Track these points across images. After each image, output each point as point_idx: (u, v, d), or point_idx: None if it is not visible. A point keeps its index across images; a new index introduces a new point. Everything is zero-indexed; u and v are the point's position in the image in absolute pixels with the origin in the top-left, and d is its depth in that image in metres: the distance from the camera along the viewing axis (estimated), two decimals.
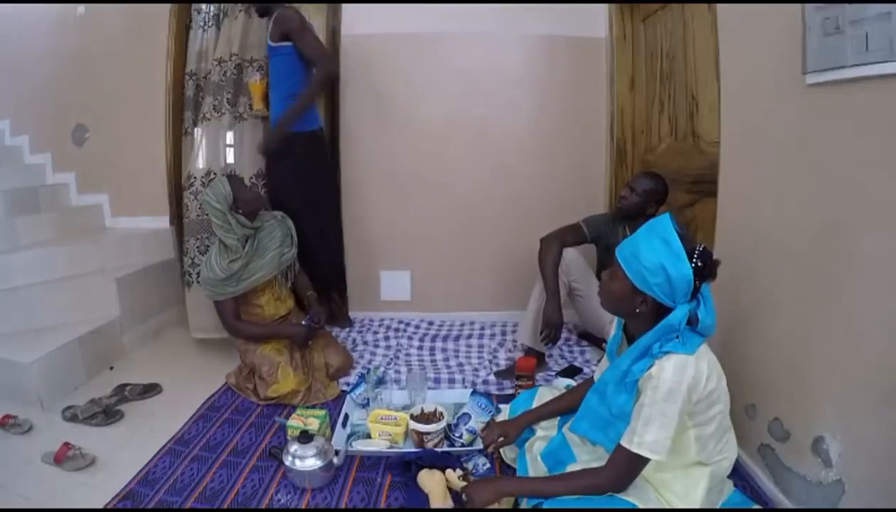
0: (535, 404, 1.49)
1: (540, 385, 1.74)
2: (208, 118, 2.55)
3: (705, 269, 1.08)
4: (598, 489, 1.10)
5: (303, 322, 2.08)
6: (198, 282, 2.35)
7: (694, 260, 1.06)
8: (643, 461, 1.08)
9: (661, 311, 1.10)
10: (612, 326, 1.32)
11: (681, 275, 1.06)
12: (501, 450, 1.50)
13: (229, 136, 2.55)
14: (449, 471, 1.43)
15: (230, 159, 2.54)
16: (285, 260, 2.15)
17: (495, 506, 1.22)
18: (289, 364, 1.98)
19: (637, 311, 1.12)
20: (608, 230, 2.15)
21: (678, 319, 1.07)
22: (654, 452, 1.05)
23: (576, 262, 2.16)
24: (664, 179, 2.05)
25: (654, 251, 1.08)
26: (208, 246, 2.42)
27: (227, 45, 2.57)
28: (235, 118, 2.56)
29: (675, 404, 1.04)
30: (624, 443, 1.08)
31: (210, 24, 2.72)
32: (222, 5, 2.67)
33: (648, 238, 1.10)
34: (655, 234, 1.10)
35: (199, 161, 2.52)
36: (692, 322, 1.10)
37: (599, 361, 1.46)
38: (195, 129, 2.62)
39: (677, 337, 1.07)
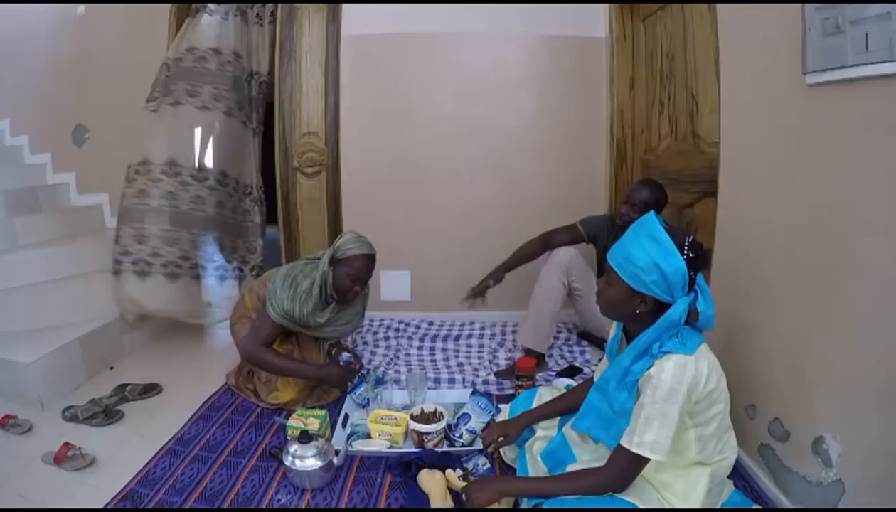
0: (534, 404, 1.49)
1: (540, 385, 1.74)
2: (181, 103, 2.46)
3: (697, 259, 1.09)
4: (597, 489, 1.10)
5: (341, 358, 1.94)
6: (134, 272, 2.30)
7: (685, 252, 1.07)
8: (643, 461, 1.08)
9: (661, 308, 1.10)
10: (612, 326, 1.32)
11: (675, 269, 1.06)
12: (501, 450, 1.50)
13: (198, 127, 2.46)
14: (449, 471, 1.43)
15: (199, 155, 2.45)
16: (345, 331, 2.06)
17: (495, 506, 1.22)
18: None
19: (637, 312, 1.13)
20: (606, 233, 2.16)
21: (678, 313, 1.07)
22: (654, 452, 1.05)
23: (575, 260, 2.16)
24: (661, 185, 2.04)
25: (645, 250, 1.08)
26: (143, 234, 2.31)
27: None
28: (200, 109, 2.49)
29: (674, 404, 1.04)
30: (624, 443, 1.08)
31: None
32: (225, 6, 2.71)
33: (637, 239, 1.11)
34: (644, 233, 1.11)
35: (163, 148, 2.40)
36: (693, 316, 1.11)
37: (600, 360, 1.46)
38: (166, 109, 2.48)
39: (677, 336, 1.07)
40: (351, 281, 1.85)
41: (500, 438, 1.43)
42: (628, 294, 1.12)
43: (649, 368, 1.08)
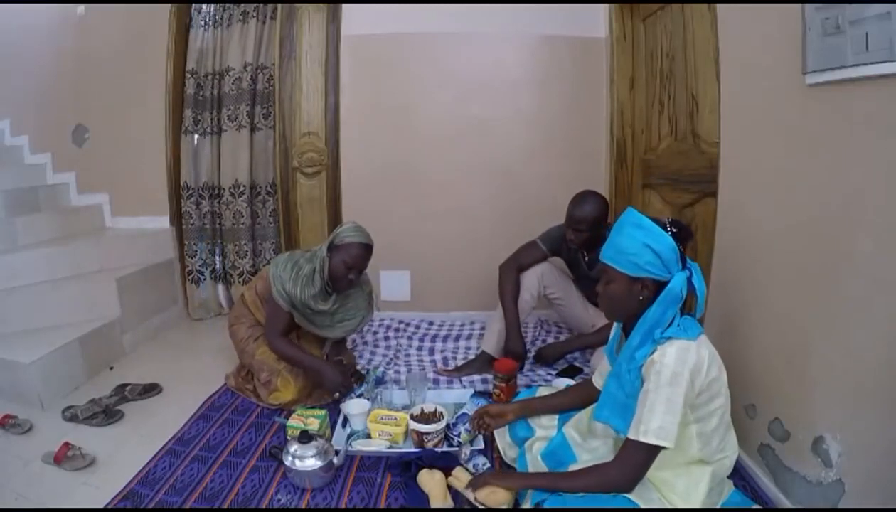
0: None
1: (540, 386, 1.74)
2: (224, 129, 2.87)
3: (682, 232, 1.15)
4: (609, 485, 1.09)
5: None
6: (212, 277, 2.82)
7: (669, 229, 1.13)
8: (652, 450, 1.06)
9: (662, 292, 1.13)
10: (600, 320, 1.33)
11: (664, 246, 1.11)
12: (501, 449, 1.50)
13: (244, 149, 2.88)
14: (457, 469, 1.43)
15: (243, 174, 2.89)
16: (349, 328, 2.04)
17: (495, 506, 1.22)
18: (290, 373, 1.91)
19: (640, 298, 1.14)
20: (561, 244, 2.14)
21: (678, 286, 1.10)
22: (659, 437, 1.04)
23: (548, 273, 2.18)
24: (598, 194, 1.98)
25: (633, 237, 1.13)
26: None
27: (240, 55, 2.83)
28: (251, 130, 2.88)
29: (679, 387, 1.04)
30: (631, 435, 1.08)
31: (210, 23, 2.83)
32: (229, 10, 2.81)
33: (623, 230, 1.16)
34: (627, 224, 1.16)
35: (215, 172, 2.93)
36: (690, 301, 1.14)
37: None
38: (210, 138, 2.92)
39: (678, 324, 1.09)
40: (346, 268, 1.86)
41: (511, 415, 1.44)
42: (629, 284, 1.15)
43: (652, 353, 1.09)
